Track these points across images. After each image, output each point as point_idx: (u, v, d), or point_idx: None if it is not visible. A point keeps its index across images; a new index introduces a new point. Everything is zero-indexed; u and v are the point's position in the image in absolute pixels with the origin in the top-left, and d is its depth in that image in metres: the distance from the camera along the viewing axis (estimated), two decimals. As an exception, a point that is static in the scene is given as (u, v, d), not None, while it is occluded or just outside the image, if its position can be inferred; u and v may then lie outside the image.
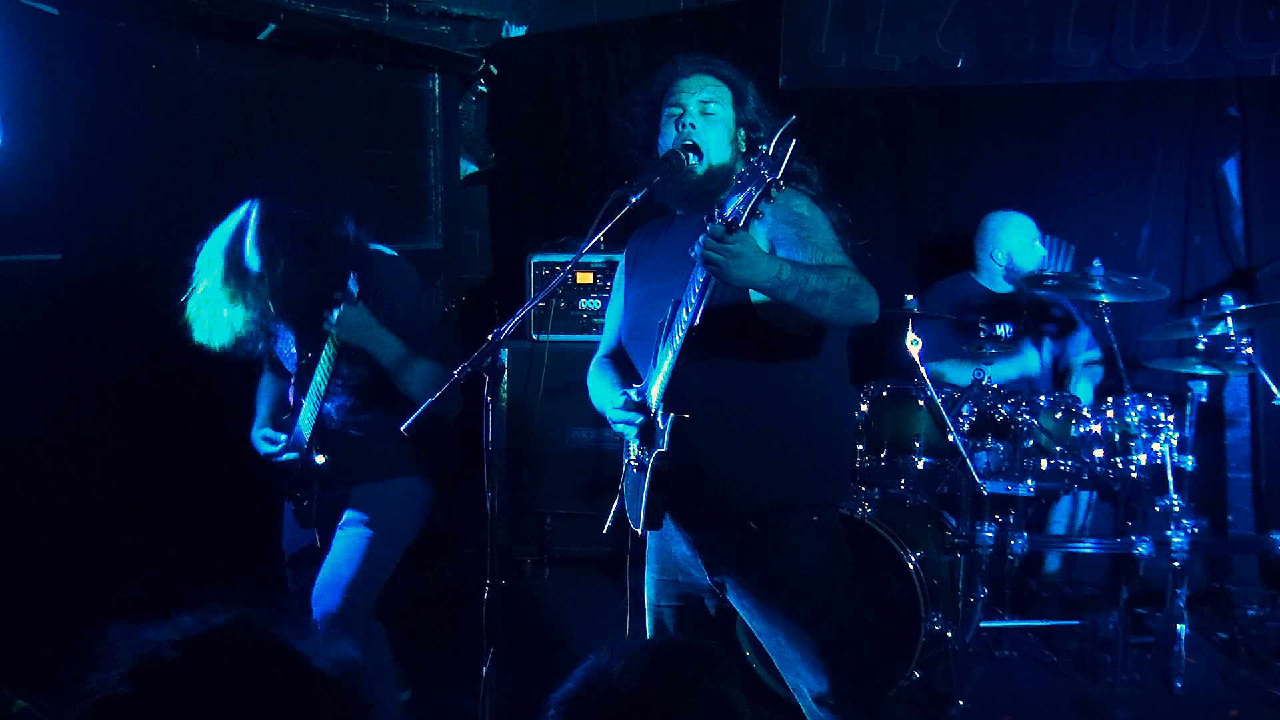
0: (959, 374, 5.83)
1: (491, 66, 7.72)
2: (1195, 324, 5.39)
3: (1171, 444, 5.29)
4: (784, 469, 3.39)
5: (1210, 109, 6.29)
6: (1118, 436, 5.38)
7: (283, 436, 4.23)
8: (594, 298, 6.67)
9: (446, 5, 7.42)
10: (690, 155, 3.42)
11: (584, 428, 6.51)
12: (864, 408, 5.51)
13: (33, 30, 5.08)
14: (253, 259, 3.94)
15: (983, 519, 5.25)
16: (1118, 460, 5.36)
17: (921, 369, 5.19)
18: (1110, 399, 5.46)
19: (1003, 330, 5.33)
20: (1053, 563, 6.15)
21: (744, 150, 3.52)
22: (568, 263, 3.56)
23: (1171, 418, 5.33)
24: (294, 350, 4.23)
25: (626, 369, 3.68)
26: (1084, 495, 5.98)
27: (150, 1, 5.60)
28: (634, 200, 3.35)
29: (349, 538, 4.13)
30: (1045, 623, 5.72)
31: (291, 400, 4.30)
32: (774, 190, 2.89)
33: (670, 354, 3.20)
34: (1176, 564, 5.14)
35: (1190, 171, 6.37)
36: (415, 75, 7.43)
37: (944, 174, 6.81)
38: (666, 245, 3.59)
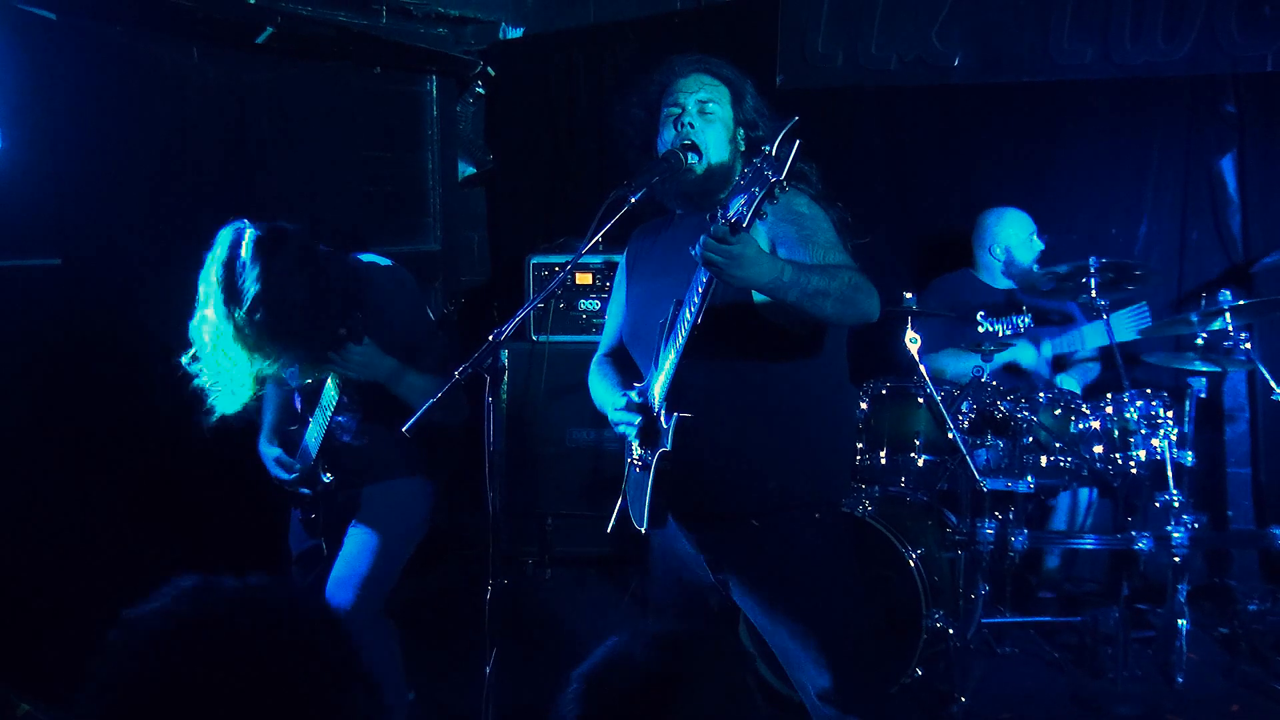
0: (956, 363, 5.84)
1: (489, 68, 7.73)
2: (1194, 319, 5.40)
3: (1171, 439, 5.30)
4: (786, 467, 3.40)
5: (1207, 105, 6.31)
6: (1117, 432, 5.39)
7: (297, 465, 4.24)
8: (593, 298, 6.68)
9: (443, 7, 7.42)
10: (689, 155, 3.43)
11: (584, 428, 6.52)
12: (863, 406, 5.53)
13: (31, 35, 5.08)
14: (250, 290, 3.90)
15: (983, 516, 5.26)
16: (1117, 456, 5.37)
17: (921, 367, 5.19)
18: (1109, 395, 5.47)
19: (1001, 327, 5.33)
20: (1053, 559, 6.16)
21: (743, 149, 3.53)
22: (566, 264, 3.57)
23: (1170, 413, 5.35)
24: (298, 369, 4.22)
25: (627, 368, 3.68)
26: (1084, 492, 5.99)
27: (148, 6, 5.59)
28: (633, 200, 3.36)
29: (359, 537, 4.16)
30: (1046, 619, 5.73)
31: (298, 407, 4.31)
32: (777, 191, 2.90)
33: (673, 353, 3.20)
34: (1177, 559, 5.15)
35: (1187, 168, 6.39)
36: (412, 78, 7.43)
37: (941, 172, 6.82)
38: (667, 244, 3.60)
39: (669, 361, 3.22)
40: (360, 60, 6.95)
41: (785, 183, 2.89)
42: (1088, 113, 6.49)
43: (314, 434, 4.19)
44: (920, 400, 5.43)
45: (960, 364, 5.79)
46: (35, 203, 5.13)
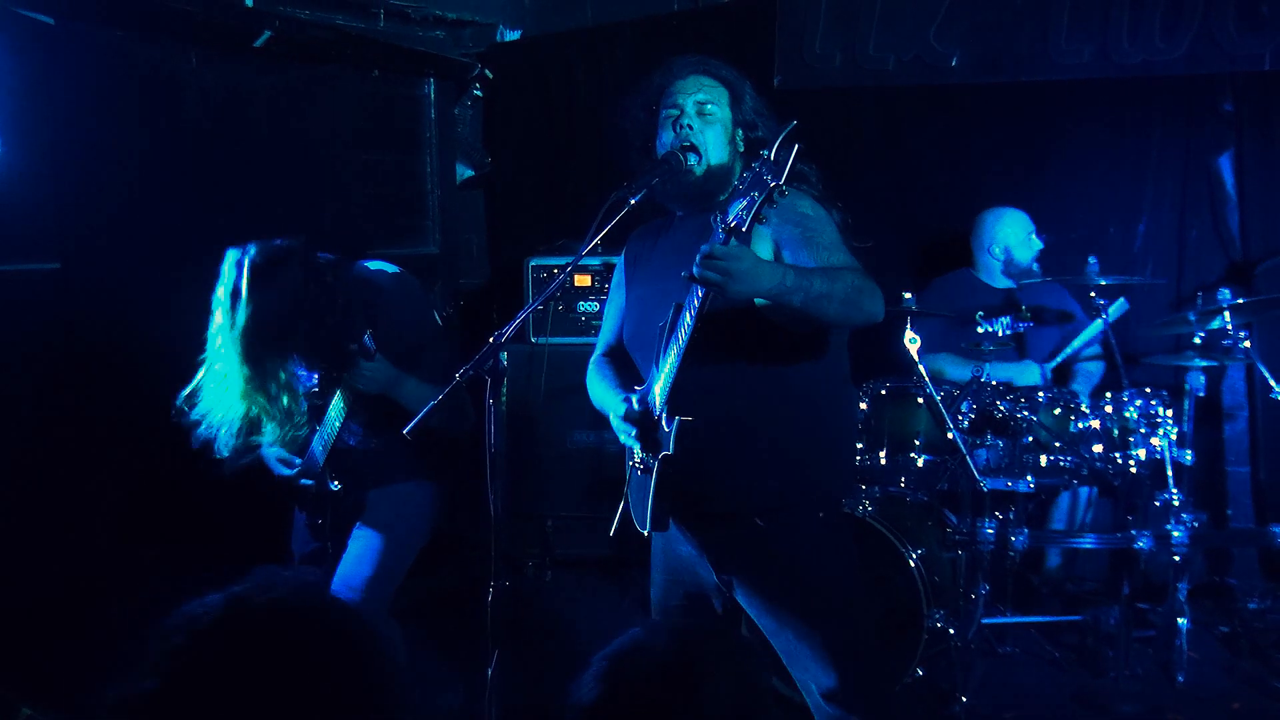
0: (955, 370, 5.85)
1: (487, 71, 7.73)
2: (1192, 318, 5.41)
3: (1170, 438, 5.31)
4: (789, 467, 3.40)
5: (1205, 104, 6.32)
6: (1116, 431, 5.40)
7: (297, 460, 4.26)
8: (593, 300, 6.68)
9: (441, 10, 7.42)
10: (689, 156, 3.43)
11: (585, 430, 6.52)
12: (863, 406, 5.53)
13: (29, 40, 5.08)
14: (250, 313, 3.91)
15: (983, 515, 5.26)
16: (1117, 455, 5.38)
17: (920, 367, 5.20)
18: (1109, 394, 5.49)
19: (1000, 327, 5.34)
20: (1053, 558, 6.16)
21: (742, 150, 3.53)
22: (566, 266, 3.57)
23: (1170, 412, 5.36)
24: (305, 372, 4.22)
25: (625, 368, 3.68)
26: (1083, 491, 5.99)
27: (146, 11, 5.59)
28: (633, 202, 3.36)
29: (363, 539, 4.17)
30: (1047, 618, 5.73)
31: (304, 412, 4.31)
32: (777, 195, 2.90)
33: (674, 356, 3.20)
34: (1177, 558, 5.16)
35: (1186, 166, 6.40)
36: (411, 81, 7.44)
37: (940, 172, 6.82)
38: (667, 246, 3.60)
39: (670, 364, 3.21)
40: (358, 64, 6.95)
41: (784, 187, 2.89)
42: (1086, 112, 6.50)
43: (321, 441, 4.20)
44: (920, 400, 5.44)
45: (959, 370, 5.80)
46: (34, 207, 5.13)
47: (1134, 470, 5.36)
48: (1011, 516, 5.49)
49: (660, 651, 1.89)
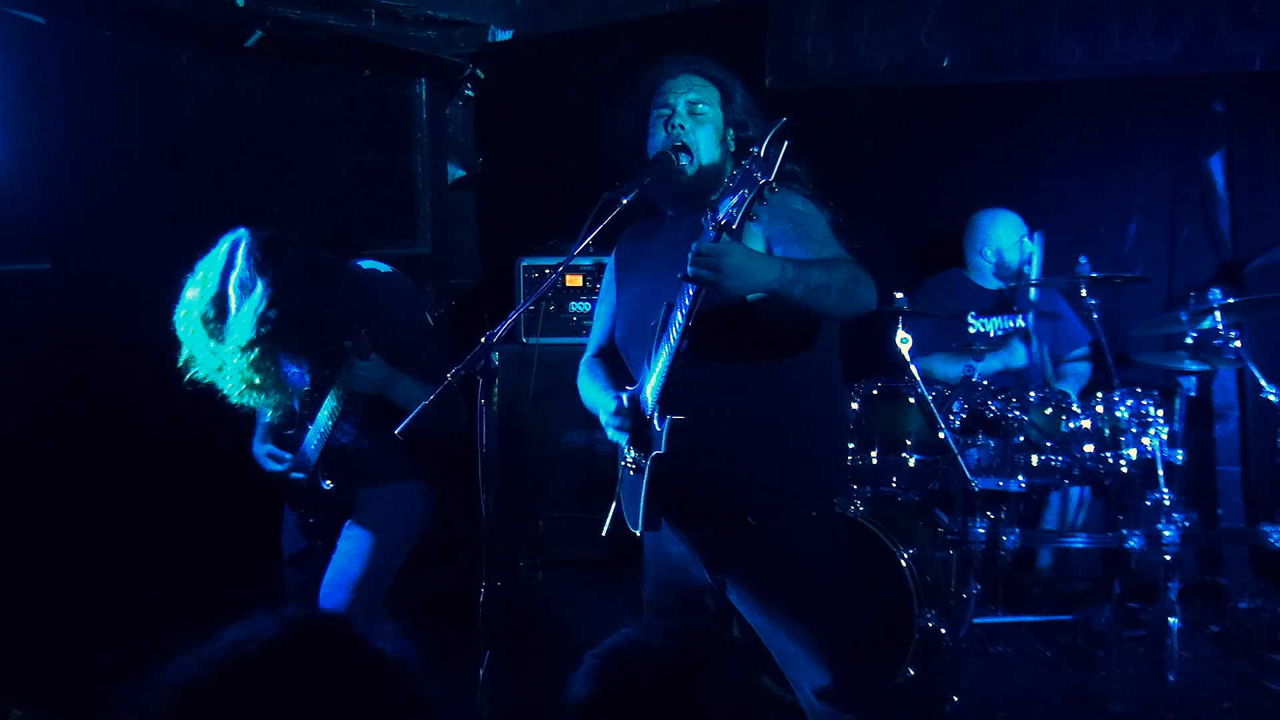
0: (946, 369, 5.85)
1: (478, 71, 7.73)
2: (1184, 318, 5.42)
3: (1161, 438, 5.32)
4: (782, 466, 3.40)
5: (1196, 104, 6.32)
6: (1107, 431, 5.40)
7: (288, 455, 4.25)
8: (584, 300, 6.67)
9: (433, 10, 7.42)
10: (680, 156, 3.43)
11: (577, 430, 6.52)
12: (855, 406, 5.52)
13: (20, 40, 5.08)
14: (252, 295, 3.91)
15: (974, 515, 5.27)
16: (1108, 455, 5.38)
17: (912, 367, 5.20)
18: (1100, 394, 5.49)
19: (992, 327, 5.34)
20: (1045, 558, 6.17)
21: (733, 150, 3.53)
22: (557, 266, 3.57)
23: (1161, 412, 5.36)
24: (299, 371, 4.21)
25: (616, 368, 3.68)
26: (1075, 491, 6.00)
27: (137, 11, 5.59)
28: (625, 202, 3.36)
29: (354, 539, 4.17)
30: (1038, 618, 5.74)
31: (297, 410, 4.30)
32: (767, 192, 2.90)
33: (665, 356, 3.20)
34: (1168, 557, 5.17)
35: (1177, 167, 6.41)
36: (402, 81, 7.44)
37: (932, 172, 6.82)
38: (658, 247, 3.60)
39: (661, 364, 3.21)
40: (350, 63, 6.95)
41: (774, 184, 2.89)
42: (1077, 112, 6.51)
43: (314, 440, 4.19)
44: (911, 400, 5.44)
45: (951, 368, 5.80)
46: (24, 207, 5.13)
47: (1125, 470, 5.37)
48: (1003, 516, 5.49)
49: (652, 650, 1.90)
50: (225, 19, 5.98)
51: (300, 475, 4.24)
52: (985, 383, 5.46)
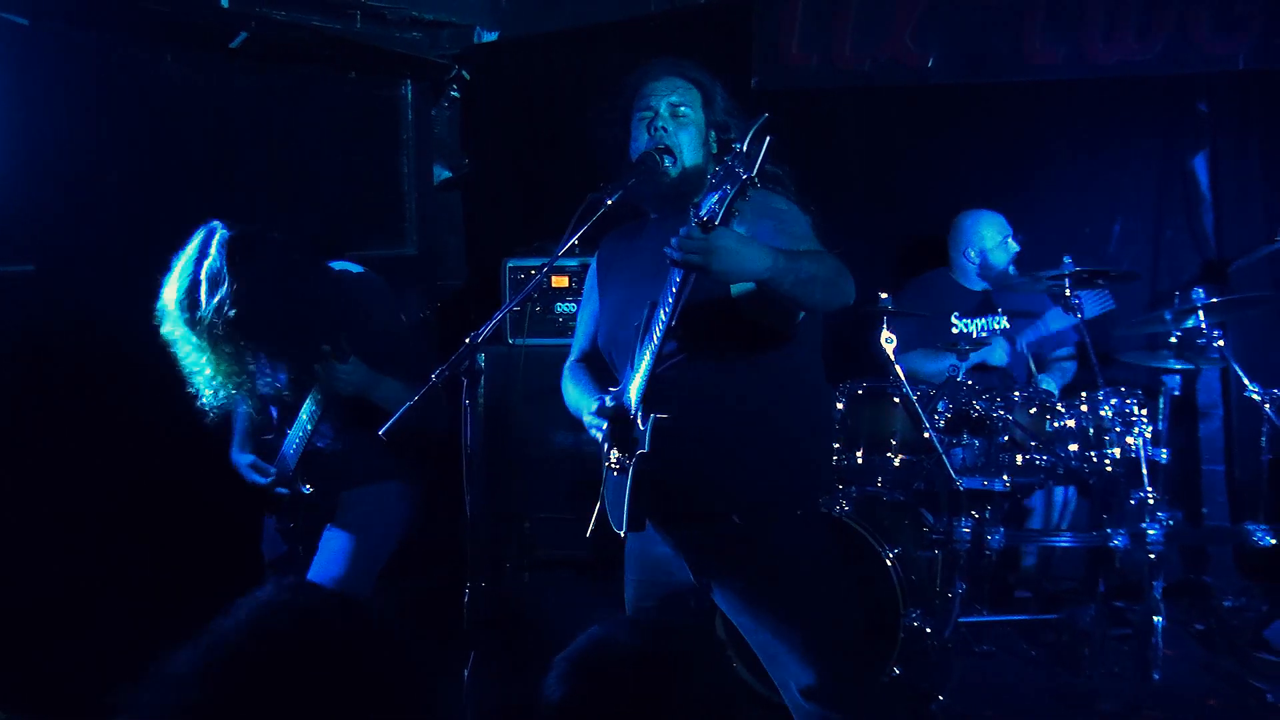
0: (927, 364, 5.84)
1: (464, 72, 7.72)
2: (1168, 317, 5.44)
3: (1145, 437, 5.34)
4: (767, 465, 3.40)
5: (1180, 104, 6.35)
6: (1092, 430, 5.42)
7: (272, 470, 4.23)
8: (570, 301, 6.67)
9: (418, 11, 7.41)
10: (664, 157, 3.44)
11: (563, 431, 6.51)
12: (840, 406, 5.53)
13: (4, 42, 5.07)
14: (220, 289, 3.89)
15: (960, 514, 5.28)
16: (1092, 454, 5.40)
17: (896, 367, 5.21)
18: (1084, 393, 5.51)
19: (976, 328, 5.36)
20: (1030, 557, 6.18)
21: (716, 151, 3.53)
22: (542, 266, 3.57)
23: (1145, 411, 5.39)
24: (273, 375, 4.18)
25: (601, 372, 3.68)
26: (1059, 490, 6.01)
27: (122, 11, 5.58)
28: (609, 203, 3.36)
29: (335, 541, 4.16)
30: (1024, 617, 5.76)
31: (275, 416, 4.29)
32: (749, 188, 2.90)
33: (648, 355, 3.20)
34: (1152, 556, 5.18)
35: (1161, 166, 6.45)
36: (388, 82, 7.42)
37: (917, 173, 6.83)
38: (641, 249, 3.60)
39: (644, 363, 3.21)
40: (335, 65, 6.94)
41: (757, 179, 2.89)
42: (1062, 112, 6.53)
43: (293, 443, 4.18)
44: (896, 400, 5.45)
45: (933, 364, 5.80)
46: (8, 209, 5.12)
47: (1110, 469, 5.39)
48: (988, 515, 5.50)
49: (620, 647, 1.90)
50: (210, 20, 5.97)
51: (284, 491, 4.23)
52: (970, 382, 5.48)
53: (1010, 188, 6.52)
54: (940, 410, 5.40)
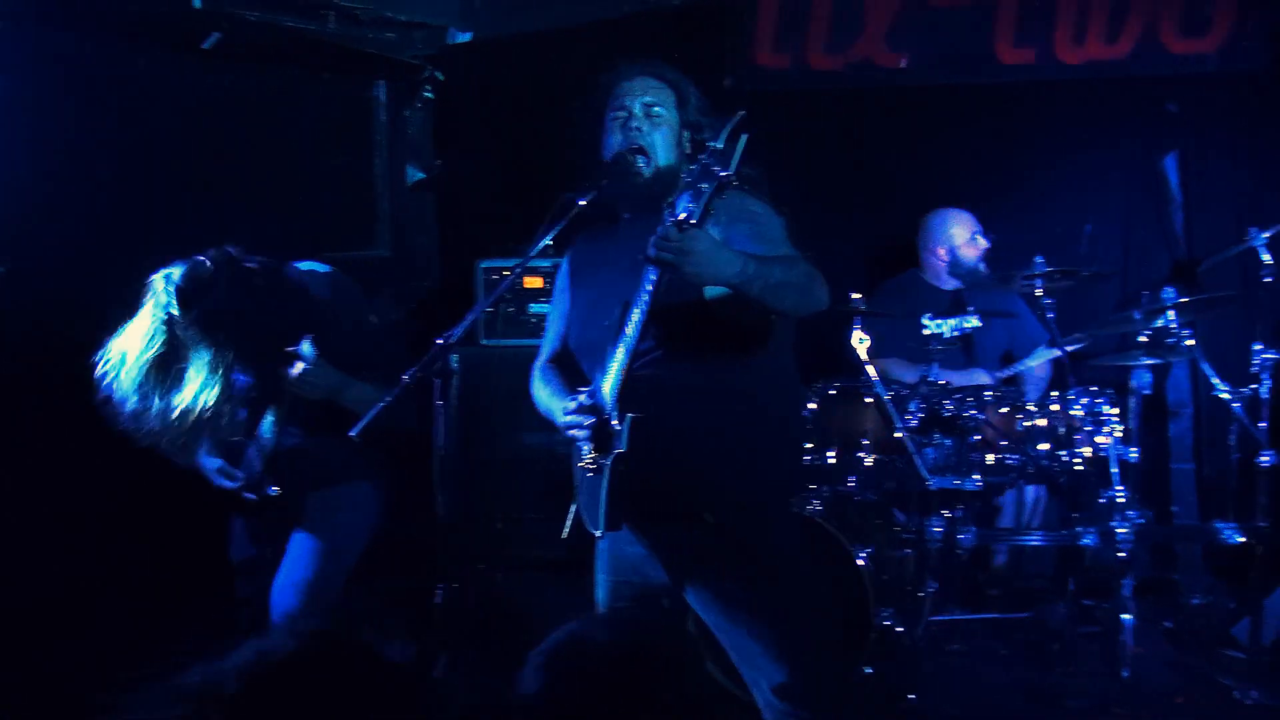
0: (903, 375, 5.87)
1: (438, 73, 7.71)
2: (1138, 316, 5.47)
3: (1115, 436, 5.36)
4: (740, 464, 3.41)
5: (1150, 106, 6.39)
6: (1062, 429, 5.44)
7: (240, 474, 4.21)
8: (543, 302, 6.65)
9: (392, 12, 7.38)
10: (637, 158, 3.45)
11: (535, 432, 6.48)
12: (813, 406, 5.54)
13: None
14: (182, 334, 3.88)
15: (931, 514, 5.30)
16: (1063, 453, 5.43)
17: (868, 367, 5.23)
18: (1055, 393, 5.54)
19: (948, 328, 5.37)
20: (1001, 556, 6.21)
21: (689, 151, 3.54)
22: (515, 267, 3.58)
23: (1115, 410, 5.41)
24: (244, 379, 4.17)
25: (571, 374, 3.67)
26: (1030, 489, 6.04)
27: (94, 12, 5.56)
28: (582, 203, 3.37)
29: (303, 542, 4.14)
30: (995, 615, 5.78)
31: (242, 419, 4.27)
32: (727, 188, 2.92)
33: (622, 354, 3.20)
34: (1122, 554, 5.20)
35: (1131, 167, 6.51)
36: (361, 83, 7.40)
37: (889, 174, 6.86)
38: (613, 249, 3.59)
39: (618, 362, 3.22)
40: (308, 65, 6.92)
41: (734, 179, 2.91)
42: (1032, 113, 6.57)
43: (258, 447, 4.16)
44: (869, 400, 5.46)
45: (908, 375, 5.82)
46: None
47: (1080, 468, 5.41)
48: (959, 515, 5.53)
49: (595, 643, 1.91)
50: (182, 20, 5.94)
51: (252, 496, 4.21)
52: (943, 382, 5.50)
53: (983, 188, 6.55)
54: (912, 410, 5.41)
